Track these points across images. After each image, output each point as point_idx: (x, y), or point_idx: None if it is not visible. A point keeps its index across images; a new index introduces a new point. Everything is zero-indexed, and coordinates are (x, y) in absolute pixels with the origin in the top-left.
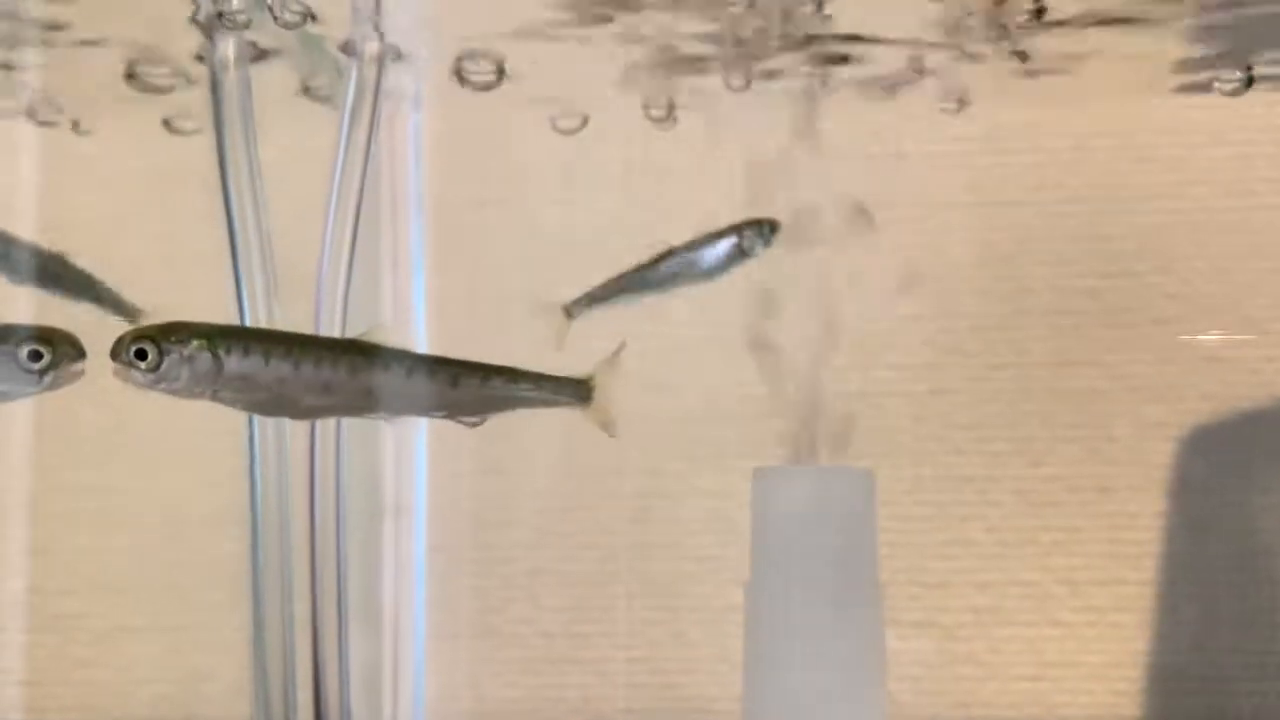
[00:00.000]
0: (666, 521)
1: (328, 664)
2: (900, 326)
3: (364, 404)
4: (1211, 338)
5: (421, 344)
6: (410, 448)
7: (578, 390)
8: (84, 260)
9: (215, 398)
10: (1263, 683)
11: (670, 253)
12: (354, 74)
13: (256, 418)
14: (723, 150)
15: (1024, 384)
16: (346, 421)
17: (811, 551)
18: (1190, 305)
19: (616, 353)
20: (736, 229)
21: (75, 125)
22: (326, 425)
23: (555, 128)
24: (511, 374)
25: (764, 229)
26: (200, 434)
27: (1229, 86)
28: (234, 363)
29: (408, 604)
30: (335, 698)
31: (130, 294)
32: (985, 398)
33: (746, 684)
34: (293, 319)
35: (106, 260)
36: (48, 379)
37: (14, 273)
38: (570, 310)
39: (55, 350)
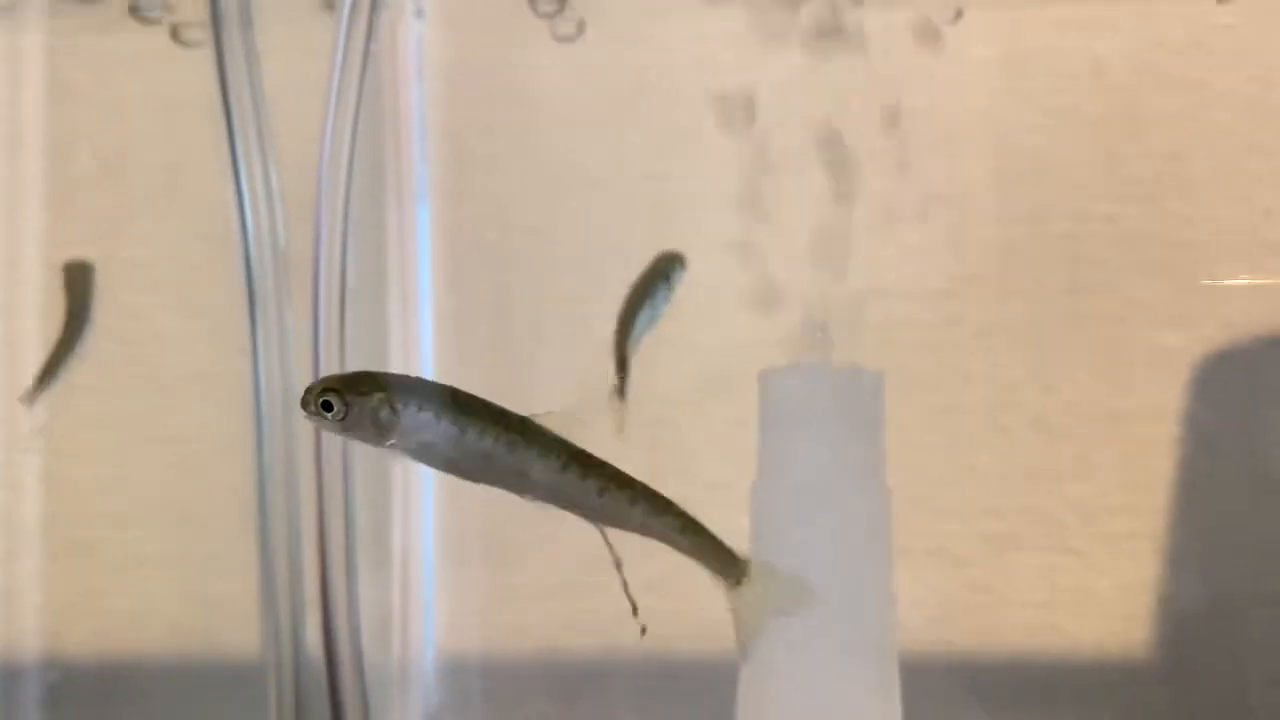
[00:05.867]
0: (678, 448)
1: (336, 589)
2: (913, 254)
3: (518, 484)
4: (1239, 282)
5: (425, 286)
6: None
7: (730, 565)
8: None
9: (392, 448)
10: (1272, 610)
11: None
12: None
13: (261, 346)
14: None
15: (1038, 311)
16: (350, 356)
17: (819, 449)
18: (1208, 231)
19: (802, 586)
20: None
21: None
22: (330, 361)
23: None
24: (665, 505)
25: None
26: (212, 362)
27: None
28: (408, 417)
29: (416, 530)
30: (344, 621)
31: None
32: (999, 325)
33: None
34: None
35: None
36: None
37: None
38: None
39: None
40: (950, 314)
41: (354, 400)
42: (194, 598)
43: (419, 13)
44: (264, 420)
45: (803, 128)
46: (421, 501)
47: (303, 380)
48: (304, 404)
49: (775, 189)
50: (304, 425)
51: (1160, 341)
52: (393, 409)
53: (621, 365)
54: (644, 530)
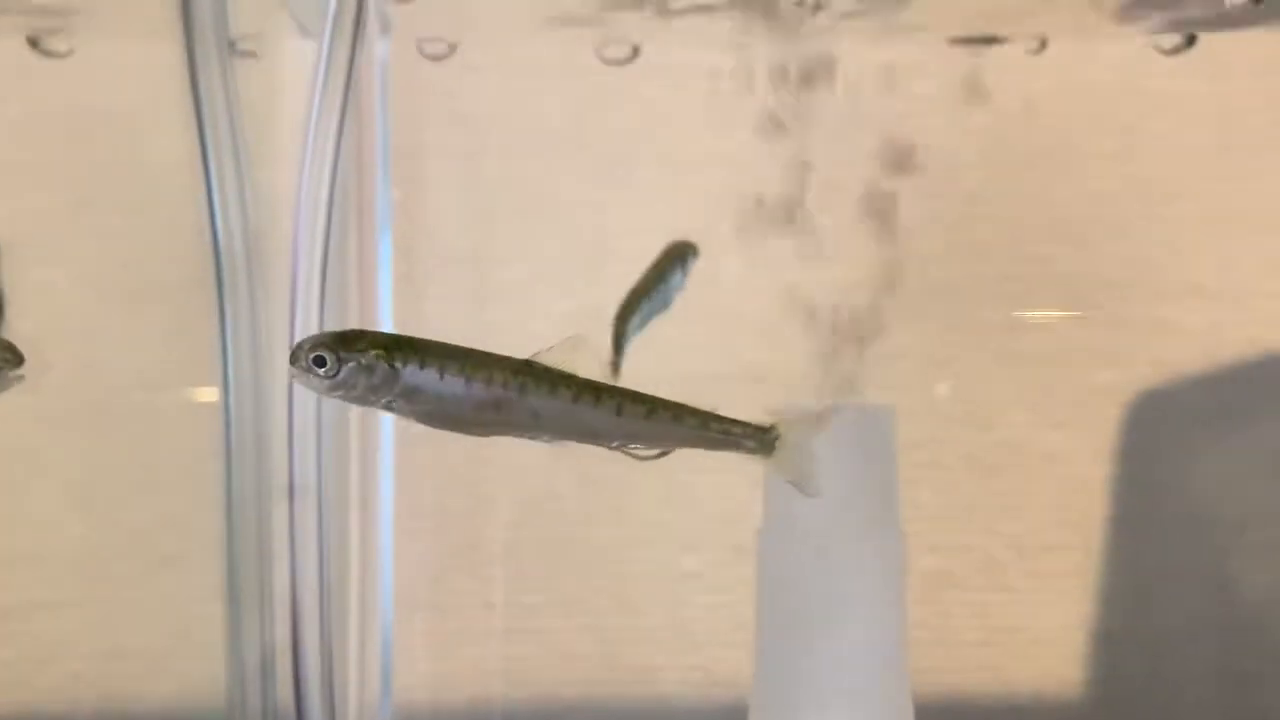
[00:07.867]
0: (615, 488)
1: (306, 630)
2: (848, 290)
3: (533, 425)
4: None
5: (387, 303)
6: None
7: (764, 438)
8: None
9: (388, 407)
10: (1205, 645)
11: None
12: None
13: (233, 393)
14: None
15: (974, 348)
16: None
17: (828, 491)
18: (1140, 270)
19: (820, 414)
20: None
21: None
22: (306, 417)
23: None
24: (680, 408)
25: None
26: (116, 395)
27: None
28: (409, 374)
29: (374, 577)
30: (315, 673)
31: None
32: (934, 362)
33: (759, 630)
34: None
35: None
36: None
37: None
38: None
39: None
40: (886, 351)
41: (348, 356)
42: (96, 646)
43: (384, 33)
44: (233, 448)
45: (742, 163)
46: (380, 545)
47: (279, 408)
48: (293, 359)
49: (717, 222)
50: (279, 463)
51: (1093, 380)
52: (391, 366)
53: (617, 344)
54: (668, 439)
